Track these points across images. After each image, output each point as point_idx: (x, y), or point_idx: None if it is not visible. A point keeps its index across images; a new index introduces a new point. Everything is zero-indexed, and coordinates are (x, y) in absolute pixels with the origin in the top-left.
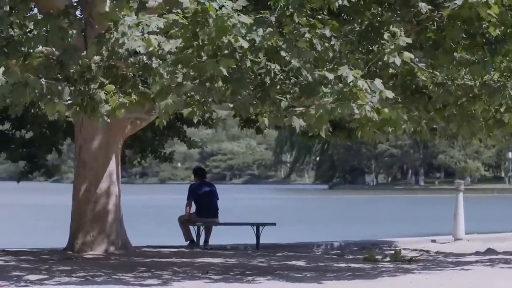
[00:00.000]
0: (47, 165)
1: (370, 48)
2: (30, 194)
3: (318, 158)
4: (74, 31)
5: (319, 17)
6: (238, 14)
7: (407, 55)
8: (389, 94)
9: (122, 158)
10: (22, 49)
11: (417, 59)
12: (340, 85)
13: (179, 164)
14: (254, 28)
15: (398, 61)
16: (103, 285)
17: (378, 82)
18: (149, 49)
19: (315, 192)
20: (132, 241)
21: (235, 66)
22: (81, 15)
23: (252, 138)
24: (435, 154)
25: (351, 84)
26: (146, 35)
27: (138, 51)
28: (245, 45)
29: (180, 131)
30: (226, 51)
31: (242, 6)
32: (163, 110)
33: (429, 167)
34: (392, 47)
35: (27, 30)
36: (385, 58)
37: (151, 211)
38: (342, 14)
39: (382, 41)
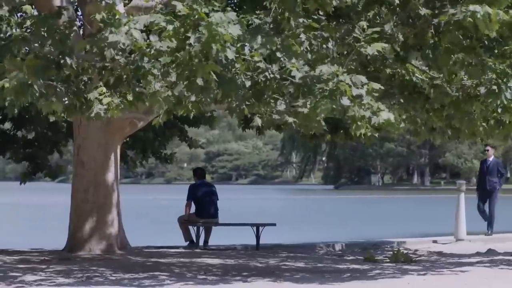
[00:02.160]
0: (50, 166)
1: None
2: (32, 194)
3: (324, 159)
4: (72, 31)
5: (315, 17)
6: (229, 22)
7: (378, 45)
8: (376, 85)
9: (123, 158)
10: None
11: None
12: (329, 83)
13: (185, 165)
14: (247, 39)
15: (370, 50)
16: (100, 286)
17: (361, 76)
18: (134, 44)
19: (320, 192)
20: (132, 241)
21: (222, 70)
22: (81, 15)
23: (258, 139)
24: (441, 154)
25: (334, 80)
26: (131, 30)
27: (122, 45)
28: (230, 56)
29: (182, 131)
30: (214, 59)
31: (237, 8)
32: (157, 109)
33: (435, 167)
34: (362, 38)
35: (26, 30)
36: (359, 49)
37: (152, 211)
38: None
39: (354, 35)
